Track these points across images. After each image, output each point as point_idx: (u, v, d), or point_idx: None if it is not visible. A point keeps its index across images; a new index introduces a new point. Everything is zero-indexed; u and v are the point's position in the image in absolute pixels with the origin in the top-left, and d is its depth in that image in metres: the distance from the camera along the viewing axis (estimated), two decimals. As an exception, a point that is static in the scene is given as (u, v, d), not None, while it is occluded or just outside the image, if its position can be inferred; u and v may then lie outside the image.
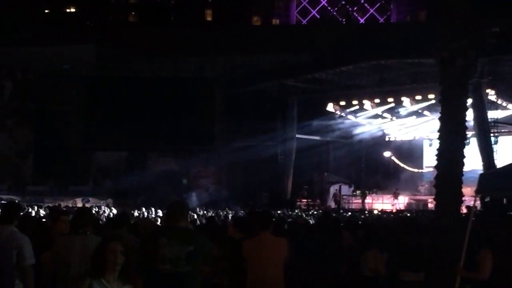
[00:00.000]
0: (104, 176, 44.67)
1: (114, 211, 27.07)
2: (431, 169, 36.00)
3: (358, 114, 44.20)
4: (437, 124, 15.64)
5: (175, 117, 42.02)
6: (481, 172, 20.67)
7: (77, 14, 47.34)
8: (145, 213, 26.21)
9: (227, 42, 41.91)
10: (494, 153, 33.39)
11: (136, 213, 25.09)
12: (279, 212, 28.15)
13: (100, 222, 15.23)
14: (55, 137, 43.66)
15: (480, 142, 33.27)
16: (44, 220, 17.26)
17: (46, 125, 44.00)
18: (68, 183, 41.91)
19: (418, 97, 38.71)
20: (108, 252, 5.73)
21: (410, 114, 42.28)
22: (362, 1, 49.21)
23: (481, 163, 32.62)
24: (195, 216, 23.33)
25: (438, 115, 15.87)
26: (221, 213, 27.71)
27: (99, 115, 43.19)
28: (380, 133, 45.83)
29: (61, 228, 8.71)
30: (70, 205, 32.89)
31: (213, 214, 26.05)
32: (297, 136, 42.13)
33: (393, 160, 46.12)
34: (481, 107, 33.41)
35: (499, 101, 36.30)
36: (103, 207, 33.22)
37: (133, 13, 47.75)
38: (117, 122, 41.99)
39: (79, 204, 34.46)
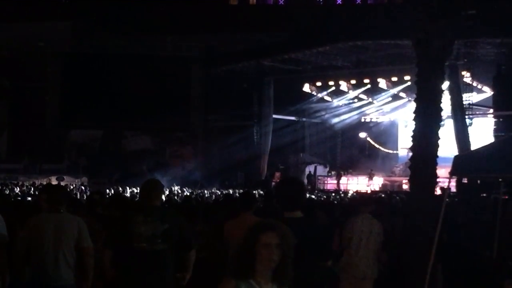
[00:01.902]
0: (79, 154, 44.50)
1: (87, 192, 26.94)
2: (406, 150, 36.38)
3: (335, 95, 44.41)
4: (412, 105, 15.74)
5: (151, 95, 41.89)
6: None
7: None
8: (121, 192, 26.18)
9: (204, 21, 41.70)
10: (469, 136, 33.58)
11: (111, 192, 25.04)
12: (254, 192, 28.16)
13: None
14: (30, 115, 43.39)
15: (455, 125, 33.50)
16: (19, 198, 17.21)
17: (21, 103, 43.69)
18: (43, 161, 41.69)
19: (394, 79, 38.97)
20: (261, 246, 4.41)
21: (387, 95, 42.51)
22: (340, -18, 49.15)
23: (456, 145, 32.81)
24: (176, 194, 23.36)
25: (414, 96, 15.98)
26: (196, 192, 27.72)
27: (74, 92, 42.98)
28: (356, 114, 45.98)
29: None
30: (45, 183, 32.75)
31: (189, 193, 26.11)
32: (274, 116, 42.17)
33: (369, 141, 46.33)
34: (457, 89, 33.62)
35: (474, 84, 36.52)
36: (75, 184, 33.15)
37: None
38: (92, 100, 41.80)
39: (54, 182, 34.30)
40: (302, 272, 5.78)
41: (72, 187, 30.39)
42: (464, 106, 34.45)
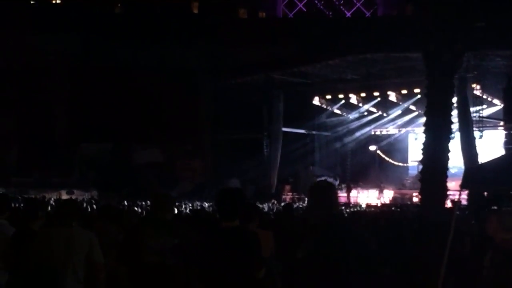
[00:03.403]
0: (89, 167, 44.50)
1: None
2: (416, 163, 36.29)
3: (345, 108, 44.52)
4: (423, 118, 15.71)
5: (160, 109, 41.97)
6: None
7: (62, 5, 47.18)
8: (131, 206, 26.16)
9: (214, 35, 41.84)
10: (477, 148, 33.35)
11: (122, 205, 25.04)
12: (264, 205, 28.24)
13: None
14: (39, 128, 43.49)
15: (463, 137, 33.35)
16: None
17: (30, 116, 43.79)
18: (53, 174, 41.71)
19: (404, 91, 38.94)
20: None
21: (397, 108, 42.60)
22: (349, -5, 49.38)
23: (464, 158, 32.67)
24: (183, 208, 23.33)
25: (424, 109, 15.95)
26: (206, 205, 27.70)
27: (84, 106, 43.05)
28: (366, 127, 45.97)
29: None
30: (55, 197, 32.80)
31: (198, 207, 26.08)
32: (283, 129, 42.13)
33: (379, 154, 46.28)
34: (465, 102, 33.53)
35: (484, 96, 36.43)
36: (85, 198, 33.14)
37: (119, 4, 47.58)
38: (102, 113, 41.88)
39: (64, 196, 34.31)
40: (235, 282, 5.84)
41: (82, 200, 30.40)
42: (475, 118, 34.33)
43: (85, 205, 25.14)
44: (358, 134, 46.42)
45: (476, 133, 34.04)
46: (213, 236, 6.19)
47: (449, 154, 15.64)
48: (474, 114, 34.40)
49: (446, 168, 15.32)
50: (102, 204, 22.57)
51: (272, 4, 50.18)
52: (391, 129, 46.26)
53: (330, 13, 47.76)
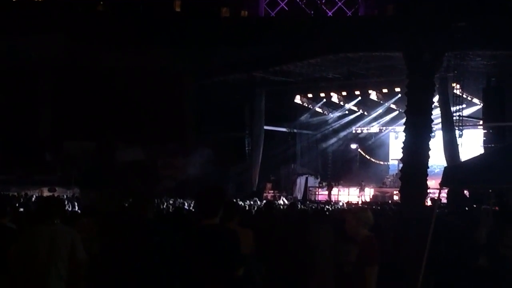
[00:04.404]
0: (72, 165, 44.35)
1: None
2: (397, 162, 36.45)
3: (326, 107, 44.67)
4: (403, 117, 15.82)
5: (143, 107, 41.90)
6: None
7: (44, 4, 46.98)
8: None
9: (196, 33, 41.82)
10: (459, 147, 33.55)
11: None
12: (246, 202, 28.30)
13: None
14: (22, 126, 43.31)
15: (445, 136, 33.54)
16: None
17: (14, 114, 43.61)
18: (35, 172, 41.56)
19: (385, 90, 39.11)
20: None
21: (378, 107, 42.81)
22: (331, -6, 49.48)
23: (446, 157, 32.84)
24: (164, 206, 23.36)
25: (405, 108, 16.06)
26: (187, 203, 27.74)
27: (67, 104, 42.92)
28: (347, 125, 46.15)
29: None
30: (37, 194, 32.75)
31: (180, 205, 26.11)
32: (265, 127, 42.22)
33: (360, 152, 46.47)
34: (447, 101, 33.73)
35: (464, 95, 36.65)
36: (66, 196, 33.06)
37: (101, 3, 47.41)
38: (85, 112, 41.78)
39: (46, 194, 34.21)
40: (214, 280, 5.91)
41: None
42: (455, 118, 34.53)
43: (66, 202, 25.10)
44: (339, 132, 46.60)
45: (456, 132, 34.23)
46: (193, 234, 6.22)
47: (430, 153, 15.77)
48: (455, 114, 34.58)
49: (426, 167, 15.44)
50: (84, 204, 22.56)
51: (254, 3, 50.17)
52: (372, 128, 46.47)
53: (312, 12, 47.80)
